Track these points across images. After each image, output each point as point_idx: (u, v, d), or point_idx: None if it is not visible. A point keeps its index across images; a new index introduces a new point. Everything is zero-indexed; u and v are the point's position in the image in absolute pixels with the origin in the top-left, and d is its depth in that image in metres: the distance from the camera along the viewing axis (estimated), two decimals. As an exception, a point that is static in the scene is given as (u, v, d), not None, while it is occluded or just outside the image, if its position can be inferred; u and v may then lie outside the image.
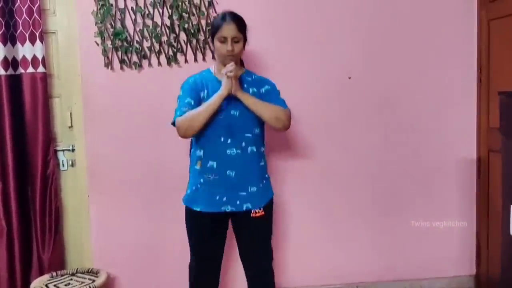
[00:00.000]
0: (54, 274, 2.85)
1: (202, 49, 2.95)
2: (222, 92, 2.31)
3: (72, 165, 3.01)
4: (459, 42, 3.18)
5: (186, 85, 2.45)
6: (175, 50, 2.94)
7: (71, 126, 2.99)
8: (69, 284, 2.74)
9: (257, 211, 2.40)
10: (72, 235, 3.05)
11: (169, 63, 2.95)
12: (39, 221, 2.90)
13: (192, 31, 2.92)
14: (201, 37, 2.94)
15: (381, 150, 3.17)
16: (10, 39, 2.82)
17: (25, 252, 2.92)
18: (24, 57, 2.83)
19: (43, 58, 2.83)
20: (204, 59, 2.96)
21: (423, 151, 3.20)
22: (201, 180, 2.38)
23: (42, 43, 2.82)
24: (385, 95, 3.15)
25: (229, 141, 2.35)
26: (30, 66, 2.83)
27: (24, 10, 2.79)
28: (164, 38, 2.92)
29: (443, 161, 3.22)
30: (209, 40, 2.45)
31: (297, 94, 3.02)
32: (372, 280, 3.21)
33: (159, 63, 2.94)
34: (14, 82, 2.84)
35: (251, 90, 2.43)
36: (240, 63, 2.48)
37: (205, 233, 2.44)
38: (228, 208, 2.37)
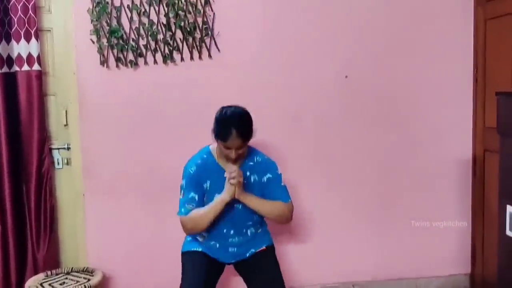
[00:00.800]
0: (49, 273, 2.83)
1: (198, 47, 2.94)
2: (225, 198, 2.28)
3: (67, 163, 3.00)
4: (455, 41, 3.19)
5: (188, 175, 2.37)
6: (171, 48, 2.92)
7: (66, 124, 2.98)
8: (64, 283, 2.73)
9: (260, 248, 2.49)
10: (67, 234, 3.04)
11: (165, 61, 2.93)
12: (34, 220, 2.89)
13: (188, 29, 2.91)
14: (197, 35, 2.93)
15: (377, 149, 3.17)
16: (5, 36, 2.80)
17: (20, 251, 2.90)
18: (19, 55, 2.81)
19: (38, 56, 2.82)
20: (200, 57, 2.95)
21: (419, 151, 3.21)
22: (204, 245, 2.45)
23: (37, 41, 2.80)
24: (381, 95, 3.15)
25: (231, 232, 2.41)
26: (25, 64, 2.81)
27: (19, 7, 2.76)
28: (160, 36, 2.91)
29: (439, 161, 3.22)
30: (213, 134, 2.30)
31: (294, 94, 3.02)
32: (369, 279, 3.22)
33: (155, 61, 2.93)
34: (9, 80, 2.82)
35: (252, 178, 2.40)
36: None
37: (200, 269, 2.37)
38: (233, 260, 2.47)
